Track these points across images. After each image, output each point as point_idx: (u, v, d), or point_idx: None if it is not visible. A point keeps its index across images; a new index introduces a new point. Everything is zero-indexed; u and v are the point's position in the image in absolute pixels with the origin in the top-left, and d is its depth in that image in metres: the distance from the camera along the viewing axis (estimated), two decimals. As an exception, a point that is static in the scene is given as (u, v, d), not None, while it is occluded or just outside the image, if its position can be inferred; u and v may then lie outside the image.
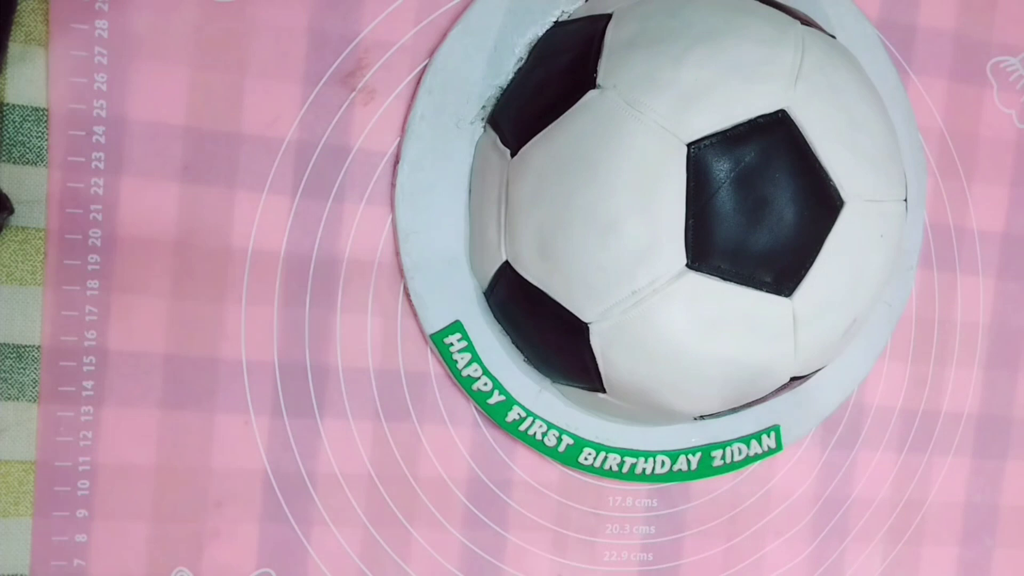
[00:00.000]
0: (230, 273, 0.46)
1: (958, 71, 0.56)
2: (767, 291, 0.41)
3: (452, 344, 0.48)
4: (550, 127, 0.42)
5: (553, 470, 0.51)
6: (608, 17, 0.44)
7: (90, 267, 0.45)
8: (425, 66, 0.48)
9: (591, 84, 0.42)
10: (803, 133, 0.41)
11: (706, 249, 0.40)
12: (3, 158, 0.44)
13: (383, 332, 0.48)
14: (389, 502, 0.49)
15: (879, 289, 0.45)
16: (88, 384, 0.45)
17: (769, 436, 0.53)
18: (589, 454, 0.51)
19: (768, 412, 0.53)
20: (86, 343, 0.45)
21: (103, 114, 0.44)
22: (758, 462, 0.54)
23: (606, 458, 0.51)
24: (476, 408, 0.50)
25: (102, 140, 0.44)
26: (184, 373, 0.46)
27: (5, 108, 0.43)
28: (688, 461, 0.53)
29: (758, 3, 0.44)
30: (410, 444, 0.49)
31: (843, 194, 0.41)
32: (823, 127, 0.41)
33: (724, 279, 0.40)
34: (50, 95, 0.44)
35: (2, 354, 0.44)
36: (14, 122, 0.44)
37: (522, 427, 0.50)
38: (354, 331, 0.48)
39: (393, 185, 0.48)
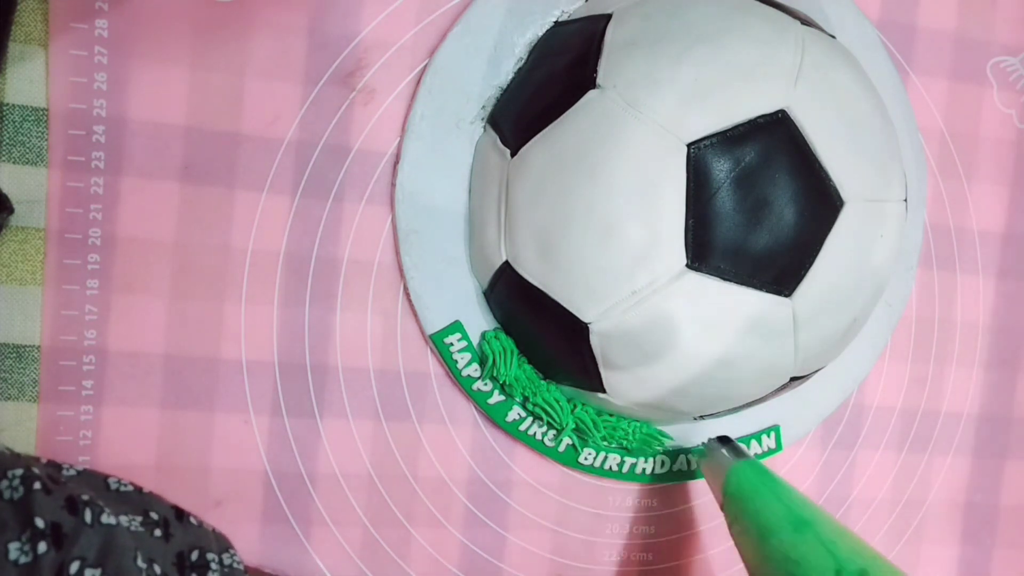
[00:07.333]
0: (230, 273, 0.46)
1: (958, 71, 0.56)
2: (767, 291, 0.41)
3: (452, 344, 0.48)
4: (550, 127, 0.42)
5: (553, 470, 0.51)
6: (608, 17, 0.44)
7: (90, 267, 0.45)
8: (425, 66, 0.48)
9: (591, 84, 0.42)
10: (803, 133, 0.41)
11: (706, 249, 0.40)
12: (3, 158, 0.43)
13: (383, 332, 0.48)
14: (389, 502, 0.49)
15: (879, 289, 0.45)
16: (88, 384, 0.45)
17: (769, 436, 0.53)
18: (589, 454, 0.50)
19: (768, 412, 0.53)
20: (86, 343, 0.45)
21: (103, 114, 0.44)
22: (758, 462, 0.54)
23: (606, 458, 0.51)
24: (476, 408, 0.50)
25: (102, 140, 0.44)
26: (184, 373, 0.46)
27: (5, 108, 0.43)
28: (688, 461, 0.53)
29: (758, 3, 0.44)
30: (410, 444, 0.49)
31: (843, 194, 0.41)
32: (823, 127, 0.41)
33: (724, 279, 0.40)
34: (50, 95, 0.44)
35: (2, 354, 0.44)
36: (14, 122, 0.44)
37: (522, 427, 0.50)
38: (354, 331, 0.48)
39: (393, 185, 0.48)
